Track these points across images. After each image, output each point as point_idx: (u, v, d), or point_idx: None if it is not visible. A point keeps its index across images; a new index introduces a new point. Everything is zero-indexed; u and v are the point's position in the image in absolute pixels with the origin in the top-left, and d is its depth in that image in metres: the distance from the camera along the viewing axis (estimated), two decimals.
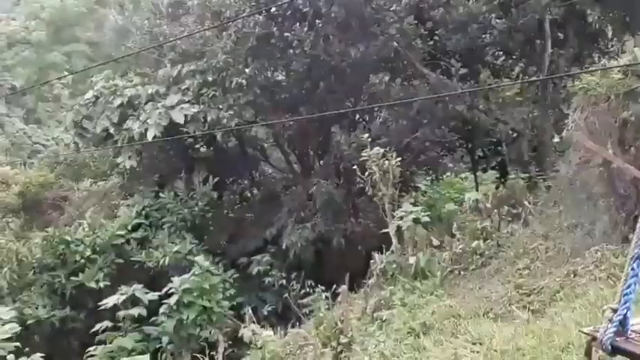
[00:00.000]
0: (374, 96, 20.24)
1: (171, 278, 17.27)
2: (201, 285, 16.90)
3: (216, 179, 22.36)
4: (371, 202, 17.95)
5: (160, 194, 22.43)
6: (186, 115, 20.90)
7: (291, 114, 21.49)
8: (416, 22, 19.92)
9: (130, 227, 21.16)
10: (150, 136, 20.51)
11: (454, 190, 24.28)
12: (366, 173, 16.08)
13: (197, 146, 23.90)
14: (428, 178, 23.96)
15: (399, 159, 16.13)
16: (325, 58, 19.74)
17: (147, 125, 20.87)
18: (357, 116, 22.36)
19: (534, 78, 19.83)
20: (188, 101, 21.26)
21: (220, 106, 20.97)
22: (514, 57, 21.04)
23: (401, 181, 16.65)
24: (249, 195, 24.60)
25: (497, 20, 19.88)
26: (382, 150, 16.03)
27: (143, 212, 21.78)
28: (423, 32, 20.18)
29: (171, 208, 21.80)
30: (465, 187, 24.25)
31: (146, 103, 21.56)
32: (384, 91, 20.18)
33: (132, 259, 20.29)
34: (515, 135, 20.78)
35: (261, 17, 19.81)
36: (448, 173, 24.96)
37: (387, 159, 15.93)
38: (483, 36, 20.21)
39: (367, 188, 16.15)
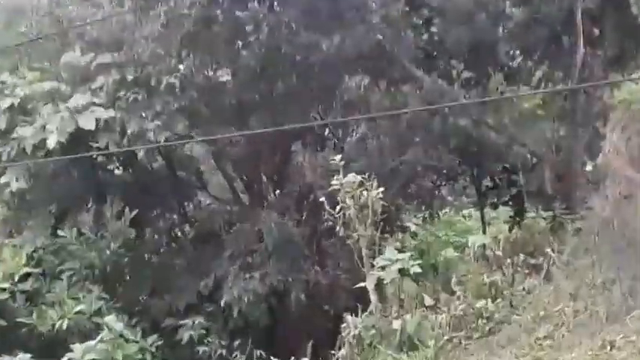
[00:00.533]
0: (349, 104, 20.25)
1: (71, 346, 16.89)
2: (113, 355, 16.58)
3: (134, 212, 21.99)
4: (343, 245, 17.82)
5: (59, 232, 21.93)
6: (97, 121, 20.53)
7: (239, 126, 21.11)
8: (407, 8, 19.82)
9: (16, 277, 20.71)
10: (52, 143, 20.11)
11: (454, 232, 24.23)
12: (337, 208, 15.89)
13: (111, 167, 23.43)
14: (419, 216, 23.85)
15: (382, 189, 15.98)
16: (287, 51, 19.54)
17: (45, 133, 20.52)
18: (327, 131, 22.30)
19: (561, 86, 19.76)
20: (100, 105, 20.94)
21: (144, 114, 20.59)
22: (535, 57, 20.93)
23: (383, 218, 16.50)
24: (179, 234, 24.29)
25: (514, 9, 20.02)
26: (359, 177, 15.87)
27: (35, 256, 21.30)
28: (415, 22, 20.19)
29: (74, 251, 21.33)
30: (468, 228, 24.25)
31: (44, 106, 21.22)
32: (363, 99, 20.14)
33: (18, 320, 19.81)
34: (535, 160, 20.82)
35: None
36: (446, 209, 24.95)
37: (365, 189, 15.80)
38: (495, 29, 20.28)
39: (338, 227, 16.07)
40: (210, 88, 20.90)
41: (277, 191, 22.23)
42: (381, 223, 16.29)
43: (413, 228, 23.57)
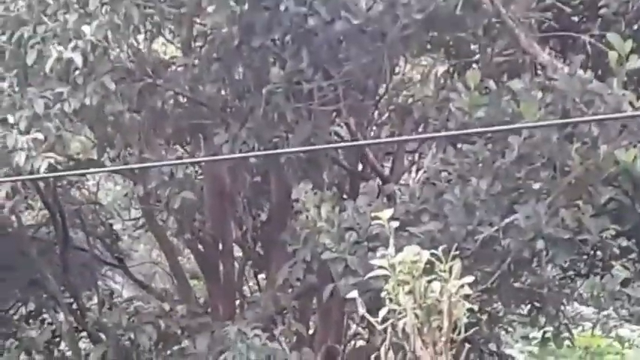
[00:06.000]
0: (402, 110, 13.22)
1: None
2: None
3: None
4: None
5: None
6: None
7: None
8: None
9: None
10: None
11: None
12: (381, 311, 9.70)
13: None
14: (533, 336, 16.75)
15: (470, 279, 9.69)
16: None
17: None
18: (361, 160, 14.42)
19: None
20: None
21: None
22: None
23: (469, 337, 10.26)
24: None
25: None
26: (425, 252, 9.72)
27: None
28: None
29: None
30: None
31: None
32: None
33: None
34: None
35: None
36: (585, 323, 18.04)
37: (437, 277, 9.76)
38: None
39: (385, 346, 9.98)
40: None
41: (262, 276, 14.50)
42: (465, 346, 10.04)
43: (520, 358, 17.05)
